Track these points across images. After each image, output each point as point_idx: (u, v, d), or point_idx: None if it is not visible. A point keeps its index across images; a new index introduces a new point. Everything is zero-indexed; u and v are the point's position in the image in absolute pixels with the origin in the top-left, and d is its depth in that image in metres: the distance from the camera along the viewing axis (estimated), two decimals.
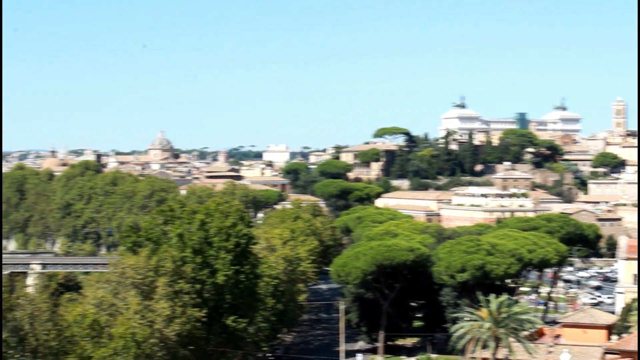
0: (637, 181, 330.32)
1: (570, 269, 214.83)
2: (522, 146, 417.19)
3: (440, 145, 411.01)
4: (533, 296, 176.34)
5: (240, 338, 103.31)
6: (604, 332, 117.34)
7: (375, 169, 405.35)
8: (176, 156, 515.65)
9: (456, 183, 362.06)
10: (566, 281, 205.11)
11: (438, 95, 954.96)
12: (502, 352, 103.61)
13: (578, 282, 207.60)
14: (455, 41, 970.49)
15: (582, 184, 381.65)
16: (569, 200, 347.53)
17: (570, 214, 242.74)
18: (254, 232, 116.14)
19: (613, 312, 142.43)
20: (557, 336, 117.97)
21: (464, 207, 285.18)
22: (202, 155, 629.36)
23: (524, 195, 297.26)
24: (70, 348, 73.81)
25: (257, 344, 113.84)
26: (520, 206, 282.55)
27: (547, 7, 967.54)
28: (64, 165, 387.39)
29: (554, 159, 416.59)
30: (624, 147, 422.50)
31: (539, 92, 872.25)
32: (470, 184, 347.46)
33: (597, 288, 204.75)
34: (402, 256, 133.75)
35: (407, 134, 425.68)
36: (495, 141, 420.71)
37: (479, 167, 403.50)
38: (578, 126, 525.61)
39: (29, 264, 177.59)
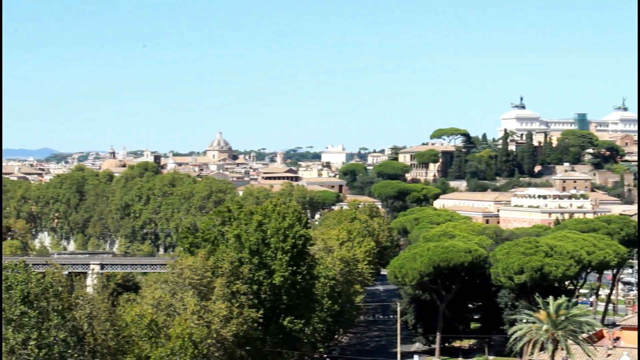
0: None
1: (629, 271, 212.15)
2: (582, 147, 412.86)
3: (499, 146, 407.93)
4: (592, 298, 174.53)
5: (296, 339, 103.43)
6: None
7: (433, 170, 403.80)
8: (234, 157, 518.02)
9: (514, 184, 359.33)
10: (625, 283, 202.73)
11: (497, 96, 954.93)
12: (560, 355, 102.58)
13: (638, 284, 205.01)
14: (515, 41, 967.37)
15: None
16: (628, 201, 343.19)
17: (630, 215, 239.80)
18: (311, 233, 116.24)
19: None
20: (617, 339, 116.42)
21: (523, 209, 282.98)
22: (260, 156, 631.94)
23: (583, 196, 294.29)
24: (128, 348, 74.34)
25: (314, 345, 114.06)
26: (580, 207, 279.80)
27: (607, 7, 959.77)
28: (123, 166, 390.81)
29: (614, 160, 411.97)
30: None
31: (600, 93, 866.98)
32: (529, 185, 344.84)
33: None
34: (460, 257, 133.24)
35: (465, 134, 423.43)
36: (555, 142, 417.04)
37: (537, 168, 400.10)
38: None
39: (88, 264, 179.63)
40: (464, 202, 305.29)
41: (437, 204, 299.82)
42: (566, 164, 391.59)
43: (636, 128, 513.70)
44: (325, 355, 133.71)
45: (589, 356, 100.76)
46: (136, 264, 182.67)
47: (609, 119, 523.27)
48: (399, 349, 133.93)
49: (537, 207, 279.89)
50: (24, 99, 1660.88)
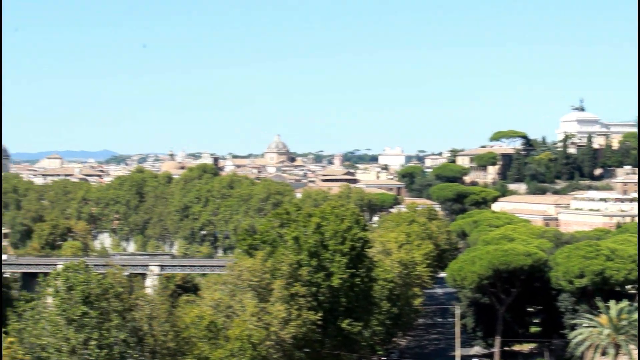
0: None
1: None
2: None
3: (559, 149, 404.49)
4: None
5: (355, 341, 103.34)
6: None
7: (492, 172, 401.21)
8: (292, 160, 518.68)
9: (575, 187, 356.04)
10: None
11: (556, 99, 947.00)
12: None
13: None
14: (576, 43, 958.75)
15: None
16: None
17: None
18: (369, 236, 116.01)
19: None
20: None
21: (583, 212, 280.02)
22: (318, 158, 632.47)
23: None
24: (188, 349, 74.75)
25: (372, 347, 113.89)
26: None
27: None
28: (182, 168, 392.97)
29: None
30: None
31: None
32: (589, 188, 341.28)
33: None
34: (519, 261, 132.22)
35: (524, 137, 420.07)
36: (615, 145, 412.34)
37: (598, 171, 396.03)
38: None
39: (147, 265, 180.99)
40: (523, 205, 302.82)
41: (496, 206, 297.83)
42: (627, 167, 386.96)
43: None
44: (383, 358, 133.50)
45: None
46: (195, 266, 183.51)
47: None
48: (457, 352, 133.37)
49: (598, 210, 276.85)
50: (85, 102, 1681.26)
